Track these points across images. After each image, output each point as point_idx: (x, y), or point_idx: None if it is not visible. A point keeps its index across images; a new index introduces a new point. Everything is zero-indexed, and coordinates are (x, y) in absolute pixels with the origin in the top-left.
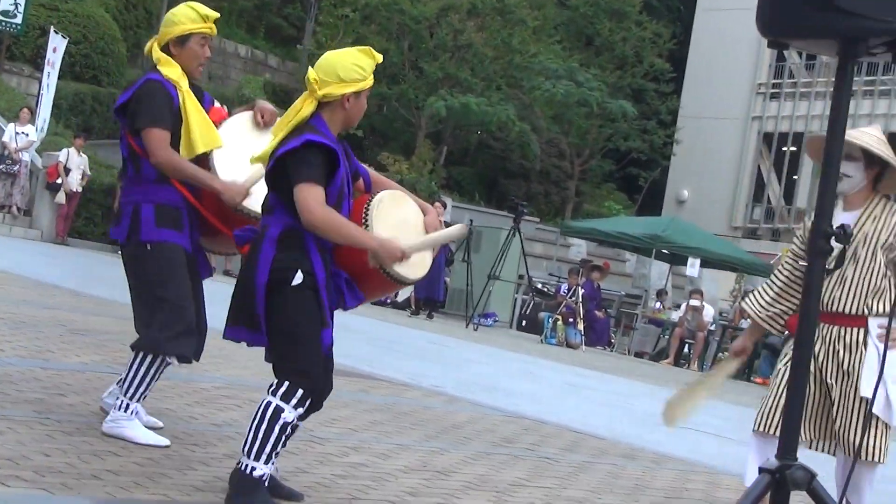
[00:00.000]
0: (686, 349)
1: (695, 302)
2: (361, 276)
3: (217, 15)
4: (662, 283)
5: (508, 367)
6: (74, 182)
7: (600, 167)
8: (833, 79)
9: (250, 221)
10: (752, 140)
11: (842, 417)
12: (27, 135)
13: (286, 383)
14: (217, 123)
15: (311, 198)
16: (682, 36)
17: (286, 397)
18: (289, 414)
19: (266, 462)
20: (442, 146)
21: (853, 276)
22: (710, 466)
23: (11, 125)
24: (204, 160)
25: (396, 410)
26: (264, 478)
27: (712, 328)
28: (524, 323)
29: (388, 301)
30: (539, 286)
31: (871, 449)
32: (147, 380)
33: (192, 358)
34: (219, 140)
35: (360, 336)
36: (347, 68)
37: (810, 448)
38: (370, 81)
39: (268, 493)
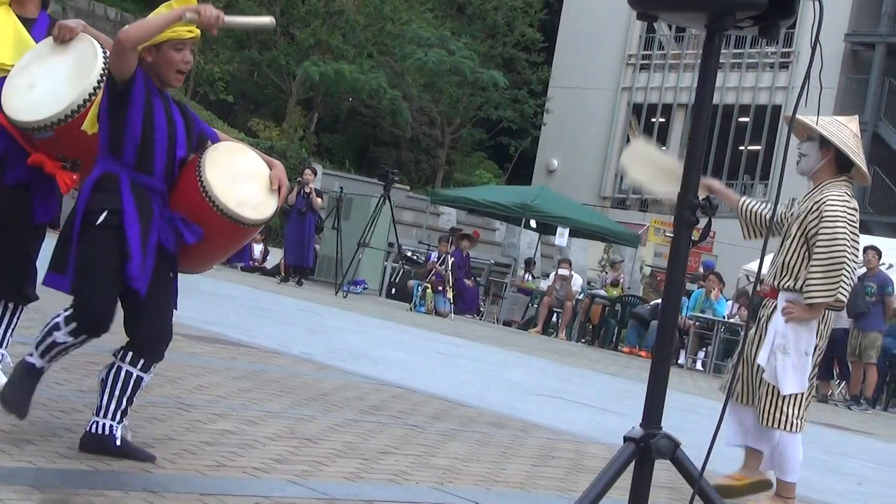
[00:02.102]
0: (554, 318)
1: (563, 271)
2: (197, 219)
3: None
4: (531, 252)
5: (377, 335)
6: None
7: (471, 136)
8: (701, 51)
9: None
10: (622, 111)
11: (760, 385)
12: None
13: (71, 309)
14: None
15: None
16: (554, 6)
17: (67, 320)
18: (60, 335)
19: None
20: (313, 113)
21: (779, 251)
22: (578, 434)
23: None
24: None
25: (264, 378)
26: (32, 361)
27: (580, 297)
28: (394, 291)
29: (258, 267)
30: (409, 254)
31: (762, 414)
32: None
33: None
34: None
35: (228, 303)
36: None
37: (737, 401)
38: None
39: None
